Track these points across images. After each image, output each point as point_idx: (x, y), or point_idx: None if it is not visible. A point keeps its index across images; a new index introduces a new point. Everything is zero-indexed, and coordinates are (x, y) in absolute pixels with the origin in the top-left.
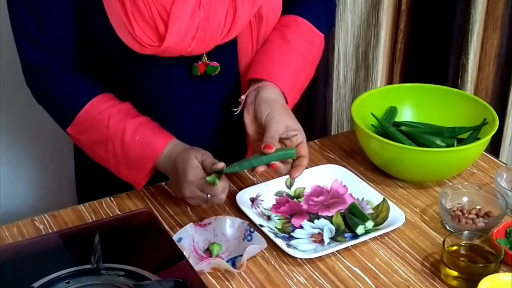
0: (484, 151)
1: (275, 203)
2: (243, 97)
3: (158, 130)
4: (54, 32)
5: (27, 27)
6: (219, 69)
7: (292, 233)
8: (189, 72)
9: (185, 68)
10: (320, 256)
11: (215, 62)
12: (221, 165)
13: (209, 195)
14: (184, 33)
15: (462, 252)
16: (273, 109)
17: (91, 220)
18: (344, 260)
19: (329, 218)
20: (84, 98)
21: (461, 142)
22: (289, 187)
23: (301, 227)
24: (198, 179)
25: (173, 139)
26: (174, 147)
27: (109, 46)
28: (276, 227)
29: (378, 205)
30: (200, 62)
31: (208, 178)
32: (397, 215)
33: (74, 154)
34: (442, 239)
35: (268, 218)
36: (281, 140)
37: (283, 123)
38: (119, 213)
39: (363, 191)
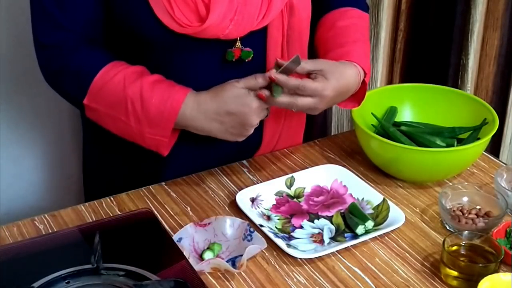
0: (484, 151)
1: (275, 203)
2: None
3: (175, 84)
4: (75, 13)
5: (47, 7)
6: (252, 55)
7: (292, 233)
8: (222, 59)
9: (218, 54)
10: (320, 256)
11: (248, 48)
12: (273, 72)
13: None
14: (224, 15)
15: (462, 252)
16: (327, 61)
17: (91, 220)
18: (344, 260)
19: (329, 218)
20: (97, 65)
21: (461, 142)
22: (289, 187)
23: (301, 227)
24: (261, 103)
25: (192, 90)
26: (197, 98)
27: (144, 29)
28: (276, 227)
29: (378, 205)
30: (235, 48)
31: (276, 94)
32: (397, 215)
33: (82, 155)
34: (442, 239)
35: (268, 218)
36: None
37: (318, 64)
38: (119, 213)
39: (363, 191)
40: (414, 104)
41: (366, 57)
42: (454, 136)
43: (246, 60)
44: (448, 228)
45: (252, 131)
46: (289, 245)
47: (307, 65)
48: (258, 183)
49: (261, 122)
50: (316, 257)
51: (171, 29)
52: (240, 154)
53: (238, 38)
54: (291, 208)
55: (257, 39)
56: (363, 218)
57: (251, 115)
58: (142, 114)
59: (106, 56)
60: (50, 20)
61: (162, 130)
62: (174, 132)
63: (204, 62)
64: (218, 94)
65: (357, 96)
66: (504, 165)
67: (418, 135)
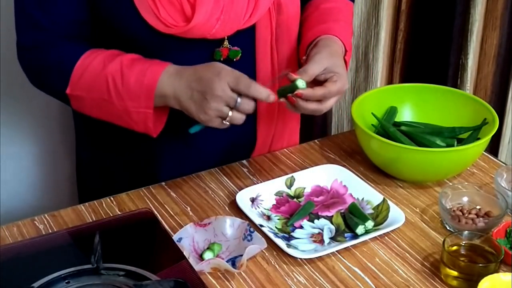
0: (484, 151)
1: (275, 203)
2: (304, 57)
3: (155, 59)
4: (56, 15)
5: (27, 9)
6: (240, 54)
7: (292, 233)
8: (210, 58)
9: (206, 54)
10: (320, 256)
11: (236, 47)
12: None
13: (239, 100)
14: (210, 14)
15: (462, 252)
16: (319, 51)
17: (91, 220)
18: (344, 260)
19: (329, 218)
20: (76, 55)
21: (461, 142)
22: (289, 187)
23: (301, 227)
24: (234, 75)
25: (171, 63)
26: (179, 67)
27: (130, 30)
28: (276, 227)
29: (378, 205)
30: (223, 47)
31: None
32: (397, 215)
33: (75, 153)
34: (442, 239)
35: (268, 218)
36: (320, 82)
37: (322, 64)
38: (119, 213)
39: (363, 191)
40: (414, 104)
41: (348, 35)
42: (454, 136)
43: (235, 60)
44: (448, 228)
45: (212, 109)
46: (289, 245)
47: (312, 69)
48: (258, 183)
49: (254, 120)
50: (316, 257)
51: (157, 29)
52: (235, 153)
53: (226, 37)
54: (291, 208)
55: (245, 38)
56: (363, 218)
57: (216, 82)
58: (123, 88)
59: (83, 46)
60: (31, 22)
61: (145, 101)
62: (161, 110)
63: (192, 62)
64: (203, 64)
65: None
66: (504, 165)
67: (418, 135)
